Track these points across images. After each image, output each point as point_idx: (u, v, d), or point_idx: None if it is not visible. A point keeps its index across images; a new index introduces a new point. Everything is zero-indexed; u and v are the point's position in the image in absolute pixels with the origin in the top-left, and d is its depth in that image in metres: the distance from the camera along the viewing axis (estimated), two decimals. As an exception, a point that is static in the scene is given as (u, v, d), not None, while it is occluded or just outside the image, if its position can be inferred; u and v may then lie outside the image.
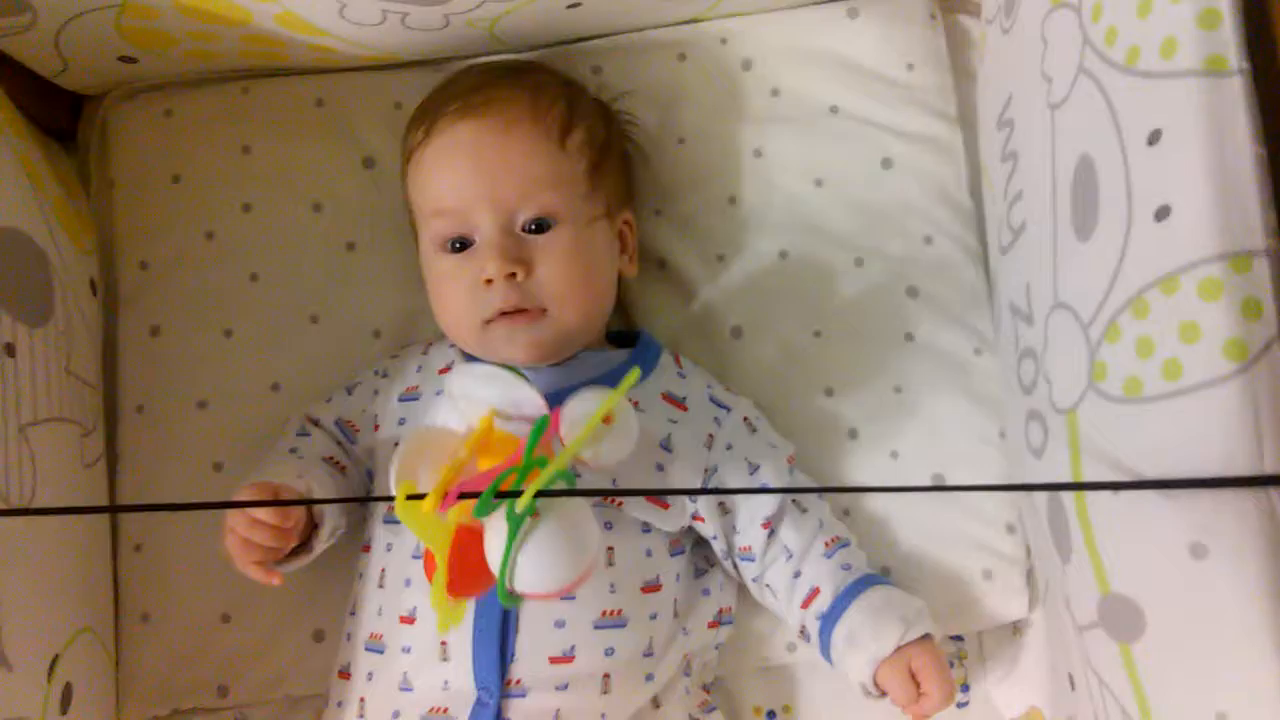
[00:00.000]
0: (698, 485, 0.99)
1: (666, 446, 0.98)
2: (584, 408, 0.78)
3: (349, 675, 0.97)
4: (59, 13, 0.97)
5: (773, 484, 1.00)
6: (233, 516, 0.90)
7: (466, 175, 0.98)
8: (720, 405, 1.04)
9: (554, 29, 1.14)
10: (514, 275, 0.96)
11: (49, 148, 1.14)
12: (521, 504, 0.66)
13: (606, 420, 0.77)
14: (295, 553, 0.94)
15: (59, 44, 1.02)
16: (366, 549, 1.01)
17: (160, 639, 1.07)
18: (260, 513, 0.88)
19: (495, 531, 0.68)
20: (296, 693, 1.09)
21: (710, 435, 1.01)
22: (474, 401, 0.79)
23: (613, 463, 0.80)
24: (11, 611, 0.84)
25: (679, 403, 1.02)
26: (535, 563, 0.68)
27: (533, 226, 0.98)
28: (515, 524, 0.67)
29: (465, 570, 0.70)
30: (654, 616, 0.94)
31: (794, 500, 1.00)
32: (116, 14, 0.98)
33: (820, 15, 1.17)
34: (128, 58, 1.08)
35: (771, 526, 0.99)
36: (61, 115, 1.17)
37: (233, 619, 1.07)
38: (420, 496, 0.68)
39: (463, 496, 0.67)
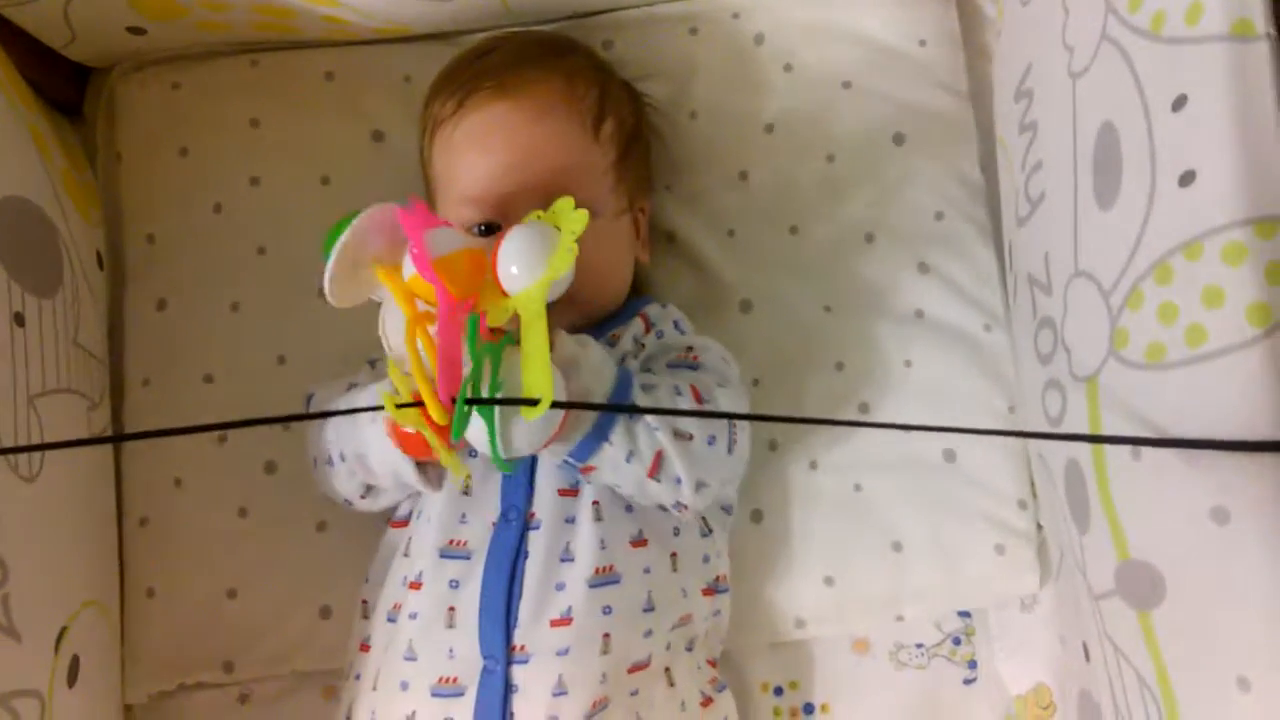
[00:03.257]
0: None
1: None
2: (521, 243, 0.78)
3: (369, 648, 0.96)
4: (69, -19, 0.97)
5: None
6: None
7: (497, 164, 0.96)
8: (678, 329, 1.02)
9: (567, 2, 1.14)
10: None
11: (55, 120, 1.13)
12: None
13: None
14: None
15: (68, 14, 1.02)
16: (398, 525, 0.99)
17: (165, 614, 1.07)
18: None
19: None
20: (303, 668, 1.09)
21: (641, 345, 0.99)
22: None
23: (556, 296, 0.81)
24: (20, 583, 0.84)
25: (650, 324, 1.01)
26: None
27: None
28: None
29: None
30: (648, 570, 0.93)
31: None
32: (128, -18, 0.98)
33: (834, -10, 1.17)
34: (137, 28, 1.07)
35: None
36: (68, 87, 1.17)
37: (238, 594, 1.07)
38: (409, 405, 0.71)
39: (469, 402, 0.70)
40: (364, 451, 0.91)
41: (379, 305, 1.10)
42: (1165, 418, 0.70)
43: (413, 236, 0.71)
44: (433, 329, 0.74)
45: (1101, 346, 0.77)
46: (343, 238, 0.72)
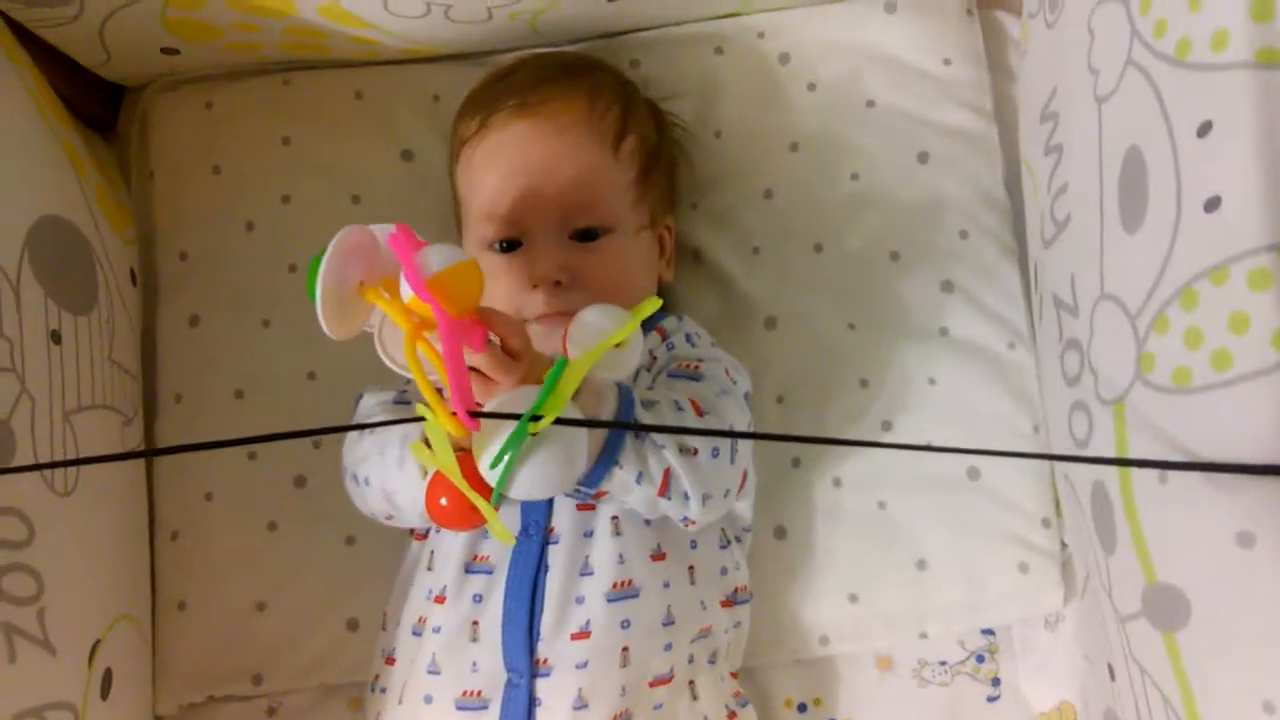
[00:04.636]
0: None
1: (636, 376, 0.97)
2: (593, 326, 0.78)
3: (394, 661, 0.97)
4: (104, 4, 0.97)
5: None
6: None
7: (517, 181, 0.98)
8: (689, 342, 1.01)
9: (594, 23, 1.15)
10: (559, 284, 0.96)
11: (89, 137, 1.14)
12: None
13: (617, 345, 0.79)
14: None
15: (103, 35, 1.03)
16: (421, 537, 1.00)
17: (196, 627, 1.08)
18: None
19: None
20: (331, 681, 1.09)
21: (654, 358, 1.00)
22: None
23: (614, 379, 0.82)
24: (55, 596, 0.85)
25: (665, 336, 1.01)
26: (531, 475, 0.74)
27: (580, 234, 0.98)
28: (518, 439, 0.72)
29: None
30: (667, 585, 0.93)
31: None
32: (162, 5, 0.99)
33: (858, 9, 1.17)
34: (170, 49, 1.08)
35: None
36: (102, 106, 1.18)
37: (268, 607, 1.08)
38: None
39: (478, 415, 0.72)
40: (392, 490, 0.92)
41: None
42: (1192, 442, 0.70)
43: (404, 259, 0.72)
44: (432, 337, 0.74)
45: (1128, 370, 0.77)
46: (323, 269, 0.72)
